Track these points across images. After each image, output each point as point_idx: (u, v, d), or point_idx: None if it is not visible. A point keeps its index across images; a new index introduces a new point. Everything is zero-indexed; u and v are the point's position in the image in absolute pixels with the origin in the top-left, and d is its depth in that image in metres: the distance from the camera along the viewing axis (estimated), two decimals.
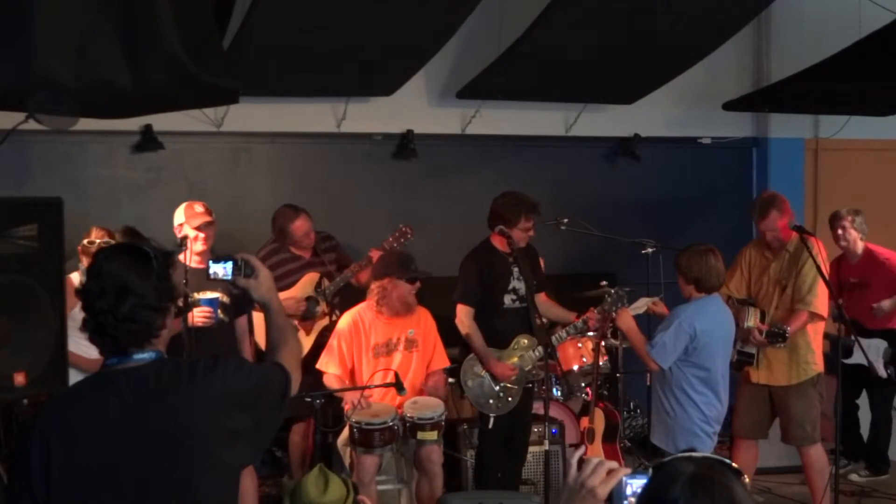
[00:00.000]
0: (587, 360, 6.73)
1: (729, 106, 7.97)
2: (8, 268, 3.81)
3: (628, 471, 2.19)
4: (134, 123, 6.80)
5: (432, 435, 5.45)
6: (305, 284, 6.14)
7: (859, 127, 8.30)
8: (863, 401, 6.97)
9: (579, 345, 6.77)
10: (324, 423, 5.47)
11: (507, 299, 5.70)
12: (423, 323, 5.77)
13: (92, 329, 2.45)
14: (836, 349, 6.12)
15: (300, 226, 6.18)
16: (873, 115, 8.13)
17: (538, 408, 5.72)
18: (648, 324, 5.90)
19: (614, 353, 6.92)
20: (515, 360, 5.68)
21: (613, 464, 2.17)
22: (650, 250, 6.83)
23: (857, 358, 6.15)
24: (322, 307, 6.15)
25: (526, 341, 5.69)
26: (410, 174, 7.71)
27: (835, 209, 6.99)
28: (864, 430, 7.01)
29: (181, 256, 5.24)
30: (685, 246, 5.40)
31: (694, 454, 2.02)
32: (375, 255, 6.06)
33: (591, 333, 6.21)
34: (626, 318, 5.42)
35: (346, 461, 5.57)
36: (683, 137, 8.39)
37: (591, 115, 7.94)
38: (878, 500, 6.54)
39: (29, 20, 4.52)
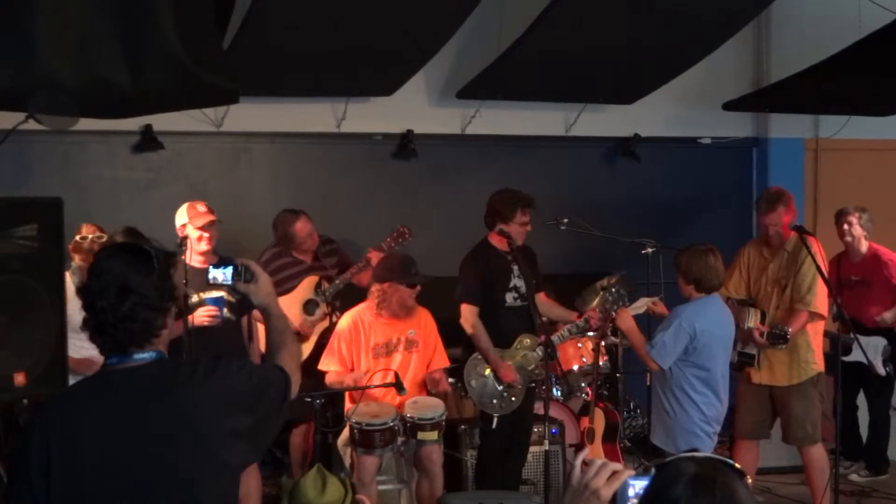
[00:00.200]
0: (587, 360, 6.73)
1: (729, 106, 7.97)
2: (8, 268, 3.81)
3: (632, 472, 2.18)
4: (134, 123, 6.80)
5: (432, 435, 5.45)
6: (305, 287, 6.14)
7: (859, 127, 8.29)
8: (861, 401, 6.98)
9: (579, 345, 6.77)
10: (324, 423, 5.47)
11: (509, 297, 5.69)
12: (424, 323, 5.77)
13: (92, 328, 2.45)
14: (836, 348, 6.12)
15: (302, 227, 6.19)
16: (873, 115, 8.12)
17: (538, 408, 5.71)
18: (648, 324, 5.90)
19: (614, 353, 6.92)
20: (518, 359, 5.67)
21: (618, 466, 2.17)
22: (650, 250, 6.83)
23: (856, 355, 6.16)
24: (322, 309, 6.15)
25: (529, 341, 5.67)
26: (410, 174, 7.71)
27: (835, 209, 7.00)
28: (864, 431, 7.01)
29: (182, 257, 5.24)
30: (685, 246, 5.40)
31: (697, 454, 2.02)
32: (374, 255, 6.06)
33: (591, 333, 6.21)
34: (626, 318, 5.42)
35: (347, 461, 5.57)
36: (683, 137, 8.39)
37: (591, 115, 7.94)
38: (878, 500, 6.54)
39: (29, 20, 4.52)
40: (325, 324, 6.11)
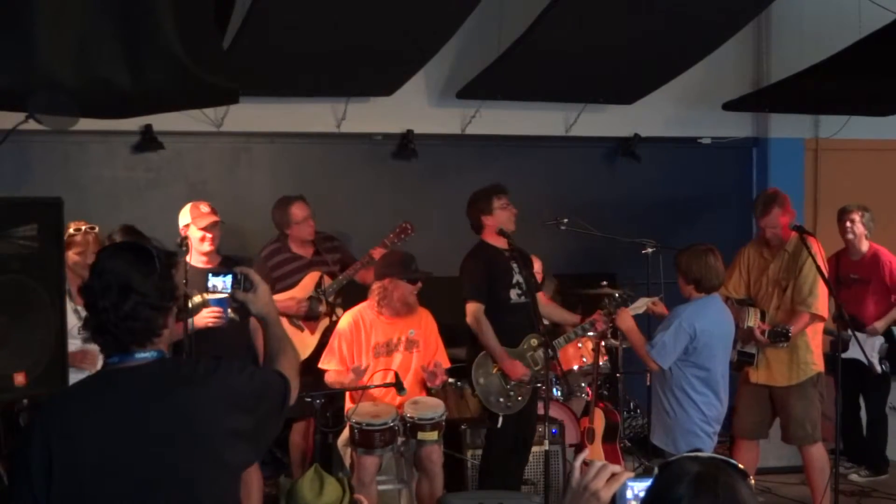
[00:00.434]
0: (587, 360, 6.73)
1: (729, 106, 7.97)
2: (8, 268, 3.81)
3: (631, 474, 2.19)
4: (134, 123, 6.79)
5: (432, 435, 5.45)
6: (307, 284, 6.13)
7: (859, 127, 8.30)
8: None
9: (579, 345, 6.78)
10: (324, 423, 5.47)
11: (513, 294, 5.66)
12: (424, 323, 5.77)
13: (93, 327, 2.45)
14: (836, 347, 6.13)
15: (297, 210, 6.15)
16: (873, 115, 8.13)
17: (539, 408, 5.71)
18: (648, 324, 5.90)
19: (614, 353, 6.92)
20: (526, 358, 5.65)
21: (617, 467, 2.17)
22: (650, 250, 6.83)
23: (853, 352, 6.17)
24: (323, 307, 6.14)
25: (535, 341, 5.64)
26: (410, 174, 7.71)
27: (834, 209, 7.01)
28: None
29: (183, 257, 5.24)
30: (685, 246, 5.40)
31: (700, 454, 2.02)
32: (376, 253, 6.06)
33: (591, 334, 6.21)
34: (626, 319, 5.42)
35: (347, 461, 5.57)
36: (683, 137, 8.39)
37: (591, 115, 7.94)
38: (878, 500, 6.54)
39: (29, 20, 4.52)
40: (326, 322, 6.11)
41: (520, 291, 5.65)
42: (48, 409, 2.48)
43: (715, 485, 1.93)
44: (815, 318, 5.69)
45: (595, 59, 6.95)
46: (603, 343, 6.46)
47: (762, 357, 5.72)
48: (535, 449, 5.89)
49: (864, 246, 6.83)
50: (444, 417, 5.52)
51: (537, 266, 6.81)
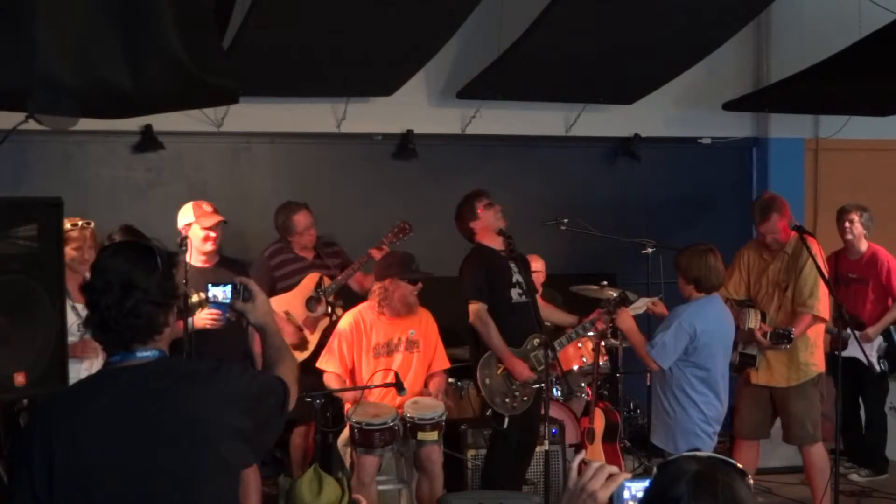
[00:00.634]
0: (587, 360, 6.73)
1: (729, 106, 7.97)
2: (8, 268, 3.80)
3: (629, 475, 2.19)
4: (134, 123, 6.80)
5: (432, 435, 5.44)
6: (307, 284, 6.13)
7: (859, 127, 8.30)
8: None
9: (579, 345, 6.77)
10: (324, 423, 5.47)
11: (514, 293, 5.65)
12: (425, 324, 5.77)
13: (95, 325, 2.46)
14: (836, 345, 6.14)
15: (301, 219, 6.17)
16: (873, 115, 8.13)
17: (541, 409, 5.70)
18: (648, 324, 5.90)
19: (614, 353, 6.92)
20: (530, 358, 5.63)
21: (614, 468, 2.18)
22: (650, 250, 6.84)
23: (851, 351, 6.17)
24: (322, 306, 6.14)
25: (538, 340, 5.62)
26: (410, 174, 7.71)
27: (835, 209, 7.02)
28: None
29: (182, 256, 5.23)
30: (685, 246, 5.40)
31: (699, 454, 2.03)
32: (375, 253, 6.06)
33: (591, 334, 6.21)
34: (626, 318, 5.42)
35: (347, 461, 5.57)
36: (683, 137, 8.39)
37: (591, 115, 7.94)
38: (878, 500, 6.54)
39: (29, 20, 4.51)
40: (327, 322, 6.11)
41: (520, 291, 5.63)
42: (50, 408, 2.48)
43: (714, 484, 1.93)
44: (817, 319, 5.69)
45: (595, 59, 6.95)
46: (603, 343, 6.46)
47: (762, 358, 5.72)
48: (535, 449, 5.89)
49: (863, 246, 6.85)
50: (444, 417, 5.51)
51: (540, 265, 6.82)
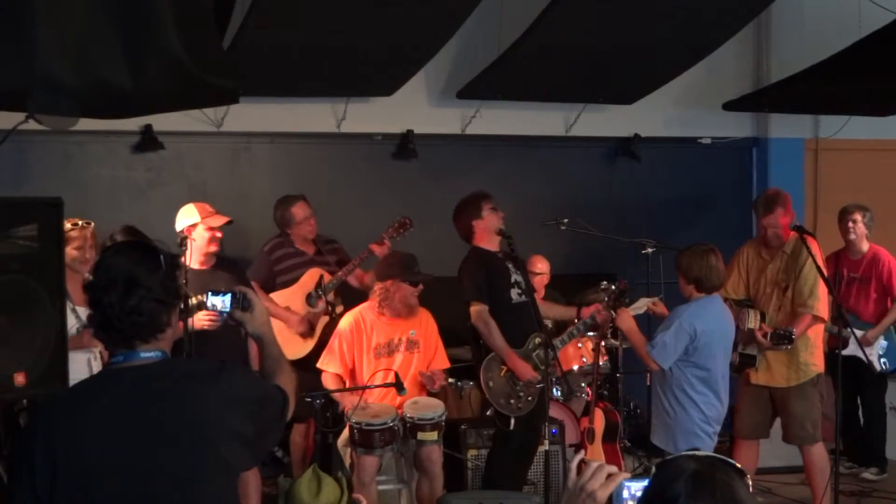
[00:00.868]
0: (587, 360, 6.73)
1: (729, 106, 7.97)
2: (8, 268, 3.80)
3: (628, 475, 2.20)
4: (134, 123, 6.80)
5: (432, 435, 5.44)
6: (307, 281, 6.14)
7: (859, 127, 8.30)
8: None
9: (579, 345, 6.77)
10: (324, 423, 5.47)
11: (514, 294, 5.63)
12: (425, 324, 5.77)
13: (98, 323, 2.46)
14: (837, 345, 6.14)
15: (299, 210, 6.19)
16: (873, 115, 8.13)
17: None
18: (648, 324, 5.90)
19: (614, 353, 6.92)
20: (533, 358, 5.62)
21: (613, 468, 2.18)
22: (650, 250, 6.84)
23: (851, 349, 6.17)
24: (322, 304, 6.14)
25: (539, 340, 5.61)
26: (410, 174, 7.71)
27: (835, 209, 7.02)
28: None
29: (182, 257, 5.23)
30: (685, 246, 5.40)
31: (697, 453, 2.03)
32: (375, 248, 6.06)
33: (591, 333, 6.21)
34: (626, 319, 5.42)
35: (347, 461, 5.57)
36: (683, 137, 8.39)
37: (591, 115, 7.94)
38: (878, 500, 6.54)
39: (30, 20, 4.52)
40: (325, 319, 6.11)
41: (520, 291, 5.62)
42: (51, 408, 2.48)
43: (712, 483, 1.93)
44: (816, 319, 5.69)
45: (595, 59, 6.95)
46: (603, 343, 6.45)
47: (762, 358, 5.72)
48: None
49: (865, 246, 6.86)
50: (443, 417, 5.51)
51: (545, 267, 6.82)
